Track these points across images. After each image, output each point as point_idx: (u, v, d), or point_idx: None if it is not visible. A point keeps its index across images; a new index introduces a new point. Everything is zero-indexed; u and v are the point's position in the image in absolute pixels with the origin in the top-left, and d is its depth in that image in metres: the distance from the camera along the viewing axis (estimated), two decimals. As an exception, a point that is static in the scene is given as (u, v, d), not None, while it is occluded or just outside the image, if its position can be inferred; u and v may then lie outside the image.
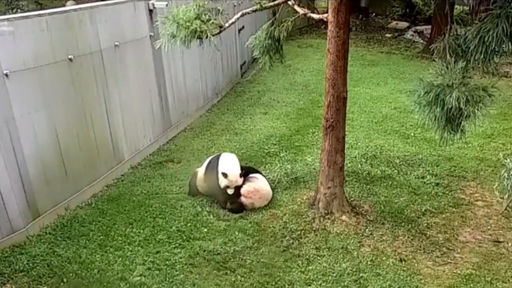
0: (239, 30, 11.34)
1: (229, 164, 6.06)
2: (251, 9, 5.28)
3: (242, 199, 5.99)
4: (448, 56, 4.31)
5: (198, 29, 4.63)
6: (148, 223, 5.74)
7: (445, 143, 4.62)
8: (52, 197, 5.72)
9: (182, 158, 7.57)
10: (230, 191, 5.94)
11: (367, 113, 9.46)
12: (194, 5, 4.72)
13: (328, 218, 5.66)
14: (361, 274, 4.87)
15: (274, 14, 6.01)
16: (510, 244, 5.33)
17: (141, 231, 5.58)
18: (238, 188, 6.00)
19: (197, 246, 5.31)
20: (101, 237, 5.47)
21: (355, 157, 7.37)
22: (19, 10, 11.22)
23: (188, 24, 4.59)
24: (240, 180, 6.00)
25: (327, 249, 5.24)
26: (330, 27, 5.19)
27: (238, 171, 6.01)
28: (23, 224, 5.31)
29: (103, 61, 6.42)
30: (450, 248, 5.28)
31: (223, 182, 5.92)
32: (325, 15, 5.33)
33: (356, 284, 4.75)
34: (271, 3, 5.44)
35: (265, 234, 5.53)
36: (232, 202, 5.99)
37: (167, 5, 7.11)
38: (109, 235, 5.51)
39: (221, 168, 5.98)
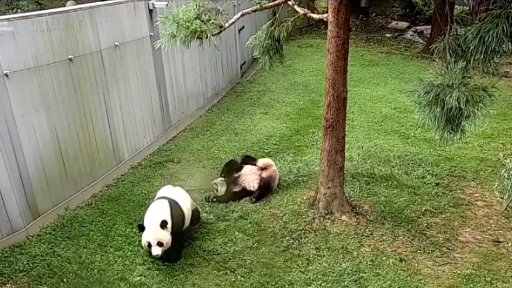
0: (239, 30, 11.33)
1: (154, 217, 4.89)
2: (251, 9, 5.29)
3: (263, 174, 6.28)
4: (448, 56, 4.31)
5: (198, 29, 4.63)
6: (148, 223, 5.73)
7: (445, 143, 4.63)
8: (52, 197, 5.72)
9: (182, 158, 7.57)
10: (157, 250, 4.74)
11: (367, 113, 9.46)
12: (194, 5, 4.72)
13: (328, 218, 5.66)
14: (361, 274, 4.87)
15: (274, 14, 6.02)
16: (510, 244, 5.33)
17: (141, 231, 5.57)
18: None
19: (197, 246, 5.31)
20: (101, 237, 5.47)
21: (355, 157, 7.37)
22: (19, 10, 11.21)
23: (188, 24, 4.59)
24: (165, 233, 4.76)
25: (327, 249, 5.24)
26: (330, 27, 5.19)
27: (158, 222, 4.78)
28: (23, 224, 5.31)
29: (103, 61, 6.42)
30: (450, 248, 5.28)
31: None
32: (325, 15, 5.33)
33: (356, 284, 4.75)
34: (271, 3, 5.44)
35: (265, 234, 5.53)
36: (257, 191, 6.25)
37: (167, 5, 7.10)
38: (109, 235, 5.51)
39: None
